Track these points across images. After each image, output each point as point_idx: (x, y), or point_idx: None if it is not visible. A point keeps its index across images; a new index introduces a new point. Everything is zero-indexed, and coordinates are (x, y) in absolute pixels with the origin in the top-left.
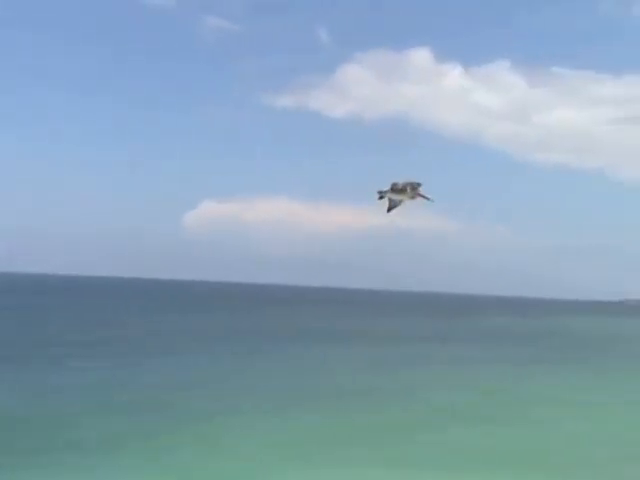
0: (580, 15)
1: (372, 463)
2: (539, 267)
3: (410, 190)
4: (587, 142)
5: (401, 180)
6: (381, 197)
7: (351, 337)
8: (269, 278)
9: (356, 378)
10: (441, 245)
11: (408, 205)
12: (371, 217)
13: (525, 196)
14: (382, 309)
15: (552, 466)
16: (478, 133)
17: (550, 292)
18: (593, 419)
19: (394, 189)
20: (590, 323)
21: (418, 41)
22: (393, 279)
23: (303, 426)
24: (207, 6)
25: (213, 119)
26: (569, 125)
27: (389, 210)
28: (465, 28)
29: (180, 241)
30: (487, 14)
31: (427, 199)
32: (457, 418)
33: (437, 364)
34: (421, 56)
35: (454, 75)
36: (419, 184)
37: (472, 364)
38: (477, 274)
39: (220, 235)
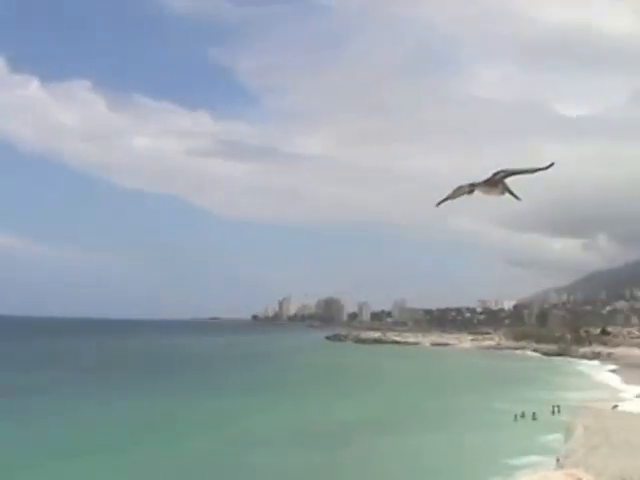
0: (167, 50)
1: None
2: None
3: (501, 185)
4: (163, 169)
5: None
6: (471, 190)
7: None
8: None
9: None
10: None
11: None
12: None
13: (105, 215)
14: None
15: None
16: (58, 150)
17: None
18: None
19: (489, 181)
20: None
21: None
22: None
23: None
24: None
25: None
26: (148, 152)
27: (440, 202)
28: (43, 40)
29: None
30: (68, 28)
31: (516, 198)
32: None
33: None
34: None
35: (31, 88)
36: (538, 169)
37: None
38: (48, 295)
39: None
